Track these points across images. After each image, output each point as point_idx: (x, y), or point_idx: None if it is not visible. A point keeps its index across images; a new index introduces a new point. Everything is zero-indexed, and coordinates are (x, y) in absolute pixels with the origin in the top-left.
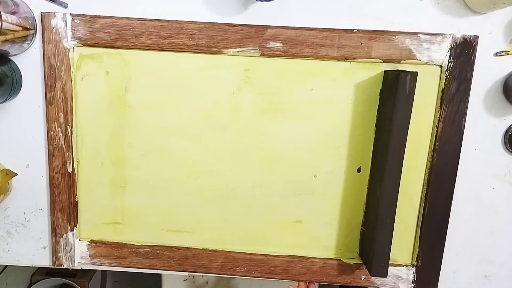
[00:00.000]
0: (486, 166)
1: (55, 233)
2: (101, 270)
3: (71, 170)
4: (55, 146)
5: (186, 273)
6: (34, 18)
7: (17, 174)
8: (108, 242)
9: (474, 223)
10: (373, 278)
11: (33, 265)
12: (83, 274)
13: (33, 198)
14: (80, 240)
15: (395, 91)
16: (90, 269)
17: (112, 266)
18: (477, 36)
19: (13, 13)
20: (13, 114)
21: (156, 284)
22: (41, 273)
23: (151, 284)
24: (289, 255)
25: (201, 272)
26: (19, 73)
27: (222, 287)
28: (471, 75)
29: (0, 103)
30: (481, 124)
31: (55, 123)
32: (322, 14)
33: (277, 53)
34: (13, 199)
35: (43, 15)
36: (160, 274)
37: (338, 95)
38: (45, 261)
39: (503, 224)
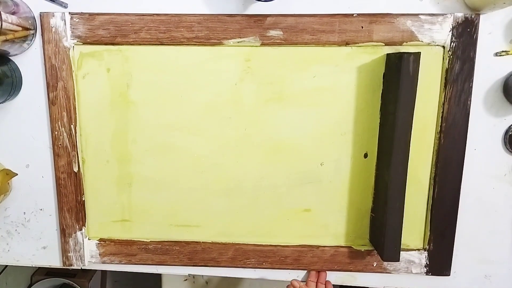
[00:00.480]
0: (486, 166)
1: (64, 233)
2: (101, 270)
3: (77, 169)
4: (59, 146)
5: (197, 270)
6: (34, 18)
7: (17, 174)
8: (117, 240)
9: (474, 223)
10: (385, 263)
11: (33, 265)
12: (83, 274)
13: (33, 198)
14: (89, 239)
15: (398, 73)
16: (90, 269)
17: (122, 263)
18: (478, 15)
19: (13, 13)
20: (13, 114)
21: (156, 284)
22: (41, 273)
23: (151, 284)
24: (299, 245)
25: (212, 266)
26: (19, 73)
27: (222, 287)
28: (474, 53)
29: (0, 103)
30: (481, 124)
31: (59, 122)
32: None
33: (277, 41)
34: (13, 199)
35: (42, 15)
36: (160, 274)
37: (341, 80)
38: (45, 261)
39: (503, 224)
